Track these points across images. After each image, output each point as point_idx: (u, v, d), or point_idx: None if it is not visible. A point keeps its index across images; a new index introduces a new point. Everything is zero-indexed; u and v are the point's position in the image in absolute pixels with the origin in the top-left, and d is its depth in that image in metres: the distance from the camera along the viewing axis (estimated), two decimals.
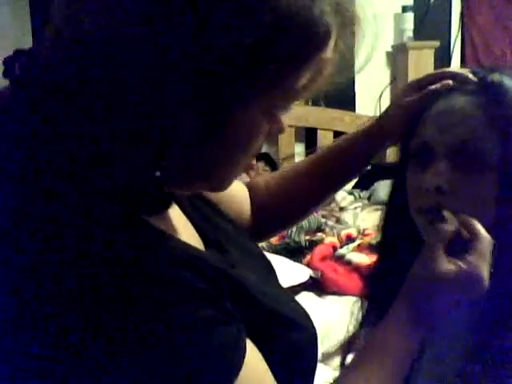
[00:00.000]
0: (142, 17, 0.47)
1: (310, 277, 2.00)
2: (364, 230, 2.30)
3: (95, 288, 0.47)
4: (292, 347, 0.61)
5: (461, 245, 0.63)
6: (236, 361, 0.51)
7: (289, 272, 1.93)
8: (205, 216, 0.68)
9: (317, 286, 2.00)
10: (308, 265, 2.07)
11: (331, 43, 0.51)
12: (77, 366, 0.46)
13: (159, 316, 0.48)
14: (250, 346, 0.54)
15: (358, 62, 0.60)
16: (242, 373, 0.51)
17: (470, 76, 0.73)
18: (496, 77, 0.71)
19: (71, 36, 0.50)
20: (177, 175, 0.55)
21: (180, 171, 0.54)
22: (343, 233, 2.27)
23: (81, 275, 0.47)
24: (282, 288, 0.71)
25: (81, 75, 0.50)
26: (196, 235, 0.64)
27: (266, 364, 0.55)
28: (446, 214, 0.66)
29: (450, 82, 0.74)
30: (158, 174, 0.53)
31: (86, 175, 0.50)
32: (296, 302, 0.68)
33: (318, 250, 2.14)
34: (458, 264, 0.61)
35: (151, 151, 0.51)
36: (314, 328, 0.65)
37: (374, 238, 2.09)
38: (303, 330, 0.63)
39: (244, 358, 0.52)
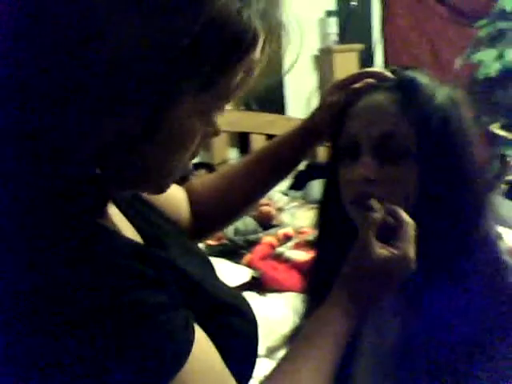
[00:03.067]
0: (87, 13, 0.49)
1: (252, 277, 2.02)
2: (300, 228, 2.35)
3: (52, 284, 0.49)
4: (234, 332, 0.63)
5: (387, 231, 0.67)
6: (188, 343, 0.54)
7: (230, 273, 1.95)
8: (144, 217, 0.70)
9: (258, 285, 2.01)
10: (248, 265, 2.10)
11: (259, 46, 0.56)
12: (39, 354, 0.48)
13: (115, 304, 0.50)
14: (197, 329, 0.56)
15: (285, 64, 0.64)
16: (192, 354, 0.53)
17: (388, 74, 0.79)
18: (410, 74, 0.78)
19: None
20: (117, 174, 0.57)
21: (120, 170, 0.56)
22: (280, 232, 2.31)
23: (37, 274, 0.49)
24: (222, 282, 0.73)
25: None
26: (137, 235, 0.66)
27: (214, 346, 0.58)
28: (373, 202, 0.70)
29: (371, 80, 0.79)
30: (98, 171, 0.55)
31: (28, 172, 0.52)
32: (235, 291, 0.71)
33: (258, 250, 2.17)
34: (390, 250, 0.65)
35: (91, 148, 0.53)
36: (253, 314, 0.68)
37: (310, 235, 2.14)
38: (244, 316, 0.66)
39: (194, 340, 0.54)
